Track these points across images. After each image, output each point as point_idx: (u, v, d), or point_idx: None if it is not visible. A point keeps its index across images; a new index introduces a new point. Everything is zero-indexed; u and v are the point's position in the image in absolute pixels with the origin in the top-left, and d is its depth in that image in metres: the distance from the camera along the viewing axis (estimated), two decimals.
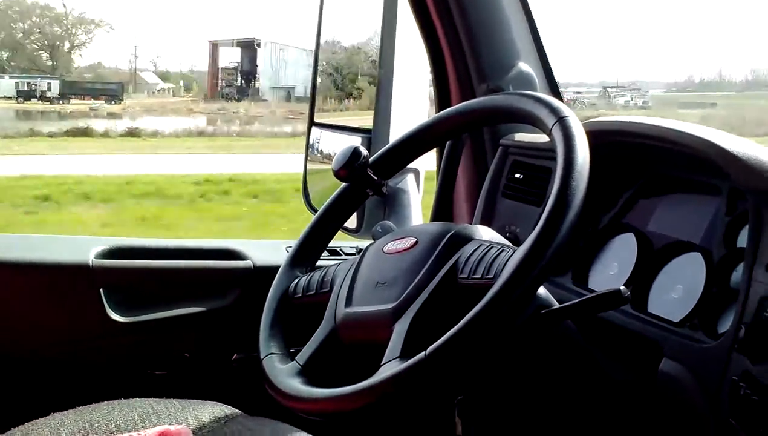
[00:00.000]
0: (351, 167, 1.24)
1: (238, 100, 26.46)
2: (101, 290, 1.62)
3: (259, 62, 28.28)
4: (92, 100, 23.27)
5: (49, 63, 28.72)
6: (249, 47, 28.48)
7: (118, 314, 1.62)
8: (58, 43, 29.52)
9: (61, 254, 1.64)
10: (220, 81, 28.91)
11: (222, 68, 29.18)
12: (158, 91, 31.24)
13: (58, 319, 1.62)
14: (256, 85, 28.32)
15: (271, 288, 1.24)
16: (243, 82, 28.63)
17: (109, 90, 25.28)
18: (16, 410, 1.34)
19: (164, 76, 33.76)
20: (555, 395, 1.19)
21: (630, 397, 1.17)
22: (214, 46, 29.33)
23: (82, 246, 1.66)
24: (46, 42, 29.29)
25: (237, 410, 1.34)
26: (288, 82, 27.57)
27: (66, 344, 1.62)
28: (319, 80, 1.95)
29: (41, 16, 29.53)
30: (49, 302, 1.61)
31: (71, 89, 25.09)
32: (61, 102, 23.20)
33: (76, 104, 22.98)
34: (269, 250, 1.74)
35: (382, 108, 1.66)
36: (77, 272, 1.61)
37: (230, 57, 29.23)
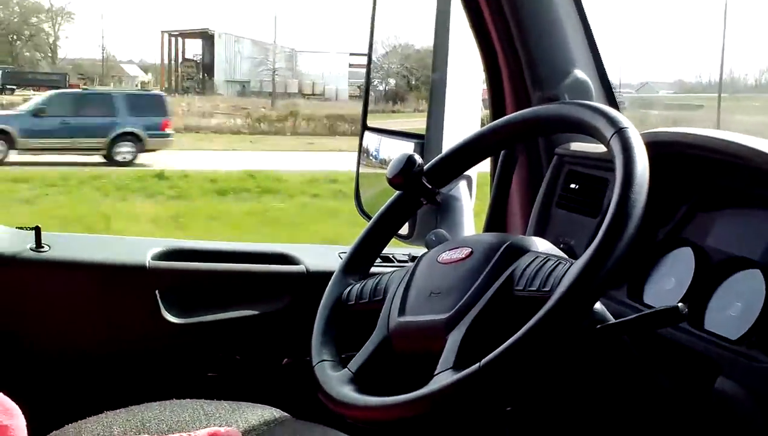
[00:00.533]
0: (406, 175, 1.24)
1: (199, 93, 26.17)
2: (157, 291, 1.64)
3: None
4: (33, 91, 22.73)
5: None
6: (207, 38, 28.09)
7: (172, 315, 1.64)
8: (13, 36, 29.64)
9: (118, 254, 1.67)
10: (180, 73, 28.51)
11: (183, 60, 28.80)
12: (139, 83, 31.04)
13: (115, 319, 1.64)
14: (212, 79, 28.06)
15: (325, 295, 1.24)
16: (205, 75, 28.28)
17: (53, 81, 25.11)
18: (70, 407, 1.37)
19: (148, 69, 33.73)
20: (607, 410, 1.18)
21: (685, 415, 1.15)
22: (174, 37, 28.97)
23: (139, 247, 1.68)
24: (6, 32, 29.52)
25: (286, 414, 1.35)
26: (243, 76, 27.37)
27: (121, 344, 1.65)
28: (390, 81, 1.95)
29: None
30: (105, 302, 1.64)
31: (13, 79, 25.33)
32: (4, 93, 23.20)
33: (20, 95, 22.52)
34: (322, 255, 1.75)
35: (435, 113, 1.66)
36: (134, 272, 1.63)
37: (191, 49, 28.92)
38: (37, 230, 1.62)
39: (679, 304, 0.94)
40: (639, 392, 1.13)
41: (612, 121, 1.06)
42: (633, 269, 1.29)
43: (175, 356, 1.67)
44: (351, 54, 30.52)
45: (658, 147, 1.21)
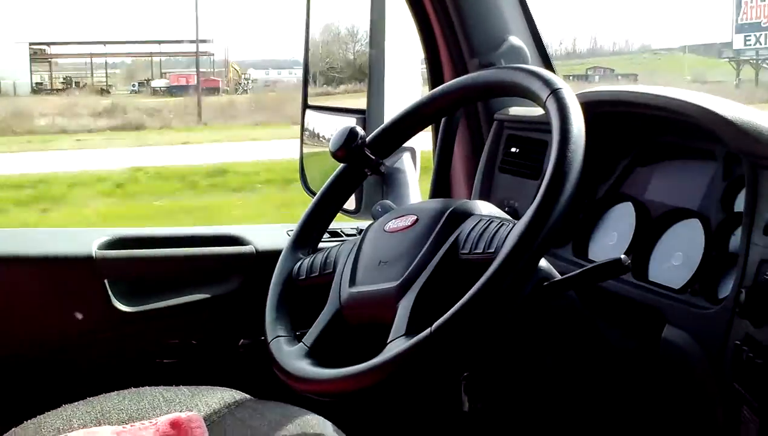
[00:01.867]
0: (348, 147, 1.25)
1: None
2: (105, 280, 1.62)
3: None
4: None
5: None
6: None
7: (123, 304, 1.63)
8: None
9: (63, 246, 1.64)
10: None
11: None
12: None
13: (64, 312, 1.62)
14: None
15: (275, 272, 1.25)
16: None
17: None
18: (27, 404, 1.35)
19: None
20: (559, 367, 1.20)
21: (634, 365, 1.18)
22: None
23: (84, 238, 1.66)
24: None
25: (246, 395, 1.35)
26: None
27: (73, 337, 1.63)
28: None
29: None
30: (54, 296, 1.62)
31: None
32: None
33: None
34: (270, 234, 1.74)
35: (375, 88, 1.66)
36: (81, 264, 1.62)
37: None
38: None
39: (622, 256, 0.96)
40: (588, 346, 1.16)
41: (547, 83, 1.07)
42: (576, 226, 1.32)
43: (130, 345, 1.66)
44: (32, 44, 29.42)
45: (594, 106, 1.23)
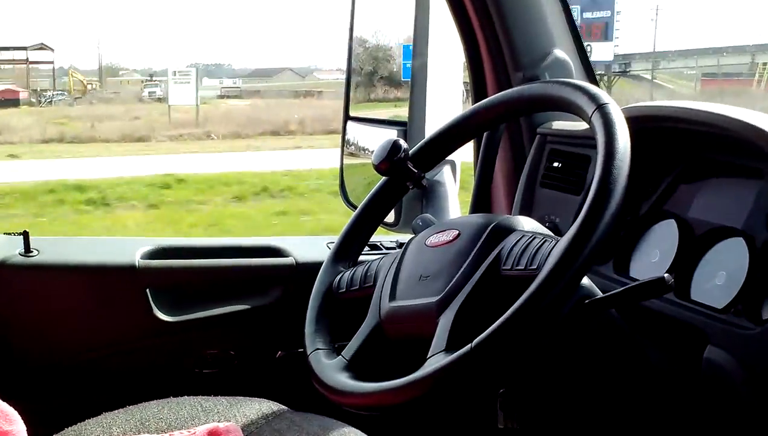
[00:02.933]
0: (391, 160, 1.25)
1: None
2: (147, 290, 1.64)
3: None
4: None
5: None
6: None
7: (164, 313, 1.64)
8: None
9: (107, 255, 1.66)
10: None
11: None
12: None
13: (107, 320, 1.64)
14: None
15: (315, 284, 1.25)
16: None
17: None
18: (68, 410, 1.37)
19: None
20: (599, 386, 1.19)
21: (675, 385, 1.17)
22: None
23: (128, 247, 1.68)
24: None
25: (284, 407, 1.36)
26: None
27: (115, 345, 1.65)
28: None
29: None
30: (97, 304, 1.64)
31: None
32: None
33: None
34: (310, 247, 1.75)
35: (417, 100, 1.66)
36: (124, 273, 1.63)
37: None
38: (26, 235, 1.62)
39: (665, 275, 0.95)
40: (629, 365, 1.14)
41: (593, 98, 1.06)
42: (618, 243, 1.30)
43: (170, 354, 1.67)
44: None
45: (639, 121, 1.21)
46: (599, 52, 24.08)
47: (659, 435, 1.24)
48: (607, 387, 1.18)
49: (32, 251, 1.63)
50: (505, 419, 1.18)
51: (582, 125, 1.31)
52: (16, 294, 1.62)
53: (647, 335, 1.17)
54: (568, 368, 1.15)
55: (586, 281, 1.03)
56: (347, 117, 1.86)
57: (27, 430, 1.21)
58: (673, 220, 1.24)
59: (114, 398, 1.38)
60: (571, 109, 1.11)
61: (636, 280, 0.99)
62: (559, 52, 1.57)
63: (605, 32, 24.93)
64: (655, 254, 1.25)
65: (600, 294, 1.03)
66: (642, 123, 1.25)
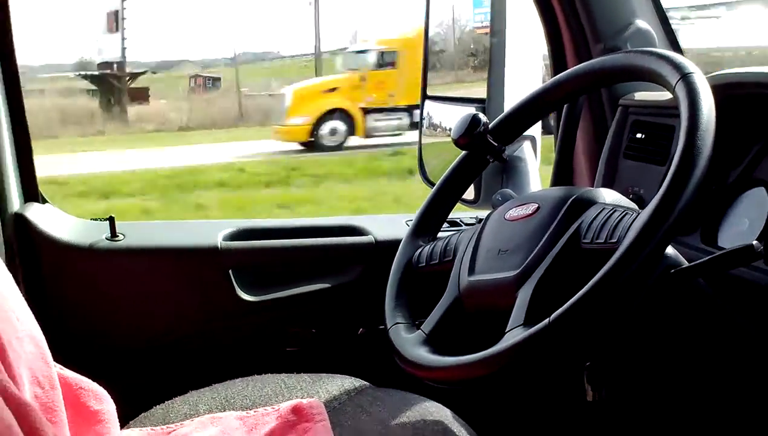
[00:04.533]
0: (471, 135, 1.24)
1: None
2: (230, 270, 1.67)
3: None
4: None
5: None
6: None
7: (247, 293, 1.67)
8: None
9: (190, 238, 1.70)
10: None
11: None
12: None
13: (191, 301, 1.67)
14: None
15: (395, 259, 1.25)
16: None
17: None
18: (155, 389, 1.40)
19: None
20: (687, 356, 1.16)
21: (766, 354, 1.13)
22: None
23: (210, 229, 1.71)
24: None
25: (366, 382, 1.37)
26: None
27: (199, 325, 1.68)
28: None
29: None
30: (182, 285, 1.67)
31: None
32: None
33: None
34: (389, 224, 1.75)
35: (496, 76, 1.65)
36: (207, 254, 1.66)
37: None
38: (111, 220, 1.66)
39: (754, 242, 0.92)
40: (718, 335, 1.11)
41: (677, 67, 1.04)
42: (705, 213, 1.27)
43: (253, 333, 1.69)
44: None
45: (726, 88, 1.18)
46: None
47: (750, 405, 1.21)
48: (696, 357, 1.16)
49: (118, 236, 1.67)
50: (593, 391, 1.17)
51: (665, 95, 1.28)
52: (103, 278, 1.67)
53: (736, 304, 1.14)
54: (656, 339, 1.13)
55: (671, 250, 1.01)
56: (425, 96, 1.85)
57: (116, 408, 1.24)
58: (763, 187, 1.20)
59: (199, 377, 1.41)
60: (654, 78, 1.09)
61: (724, 249, 0.96)
62: (641, 23, 1.53)
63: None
64: (744, 223, 1.21)
65: (686, 263, 1.00)
66: (729, 90, 1.21)
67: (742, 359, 1.15)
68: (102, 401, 1.23)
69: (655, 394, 1.30)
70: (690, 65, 1.04)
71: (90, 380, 1.24)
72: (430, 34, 1.93)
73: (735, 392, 1.21)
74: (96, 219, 1.72)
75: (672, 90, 1.04)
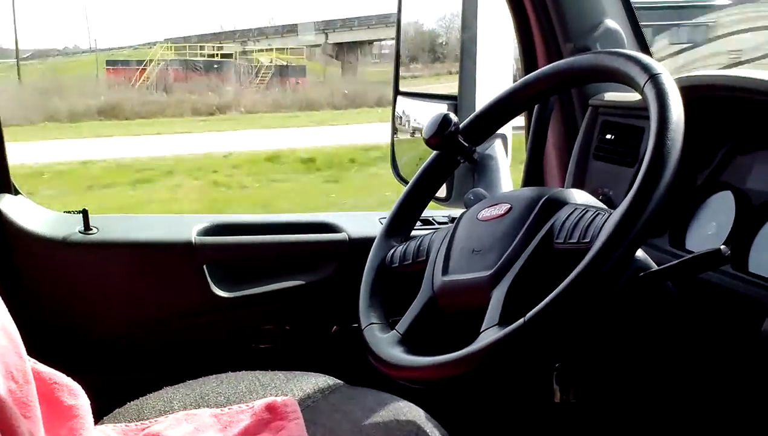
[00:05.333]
0: (442, 135, 1.25)
1: None
2: (204, 266, 1.67)
3: None
4: None
5: None
6: None
7: (221, 289, 1.67)
8: None
9: (164, 232, 1.69)
10: None
11: None
12: None
13: (165, 296, 1.67)
14: None
15: (369, 259, 1.26)
16: None
17: None
18: (130, 385, 1.40)
19: None
20: (655, 359, 1.18)
21: (733, 357, 1.15)
22: None
23: (184, 224, 1.70)
24: None
25: (339, 381, 1.37)
26: None
27: (173, 320, 1.68)
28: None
29: None
30: (155, 280, 1.67)
31: None
32: None
33: None
34: (363, 222, 1.76)
35: (467, 73, 1.65)
36: (181, 249, 1.66)
37: None
38: (85, 213, 1.66)
39: (722, 246, 0.94)
40: (685, 338, 1.13)
41: (645, 68, 1.05)
42: (673, 215, 1.29)
43: (227, 329, 1.70)
44: None
45: (693, 91, 1.20)
46: None
47: (716, 408, 1.23)
48: (664, 360, 1.18)
49: (91, 229, 1.66)
50: (561, 393, 1.18)
51: (635, 96, 1.30)
52: (76, 271, 1.66)
53: (704, 308, 1.16)
54: (624, 341, 1.15)
55: (641, 253, 1.02)
56: (397, 92, 1.86)
57: (91, 404, 1.24)
58: (729, 191, 1.22)
59: (174, 373, 1.41)
60: (623, 79, 1.10)
61: (692, 252, 0.98)
62: (610, 22, 1.55)
63: None
64: (711, 226, 1.24)
65: (655, 267, 1.02)
66: (696, 93, 1.23)
67: (708, 362, 1.17)
68: (76, 396, 1.23)
69: (623, 396, 1.32)
70: (658, 66, 1.05)
71: (64, 375, 1.24)
72: (432, 27, 1.94)
73: (700, 394, 1.23)
74: (70, 212, 1.71)
75: (641, 91, 1.05)
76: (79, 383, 1.25)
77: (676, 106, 1.00)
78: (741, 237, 1.17)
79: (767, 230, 1.15)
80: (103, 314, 1.67)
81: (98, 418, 1.29)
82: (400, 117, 1.86)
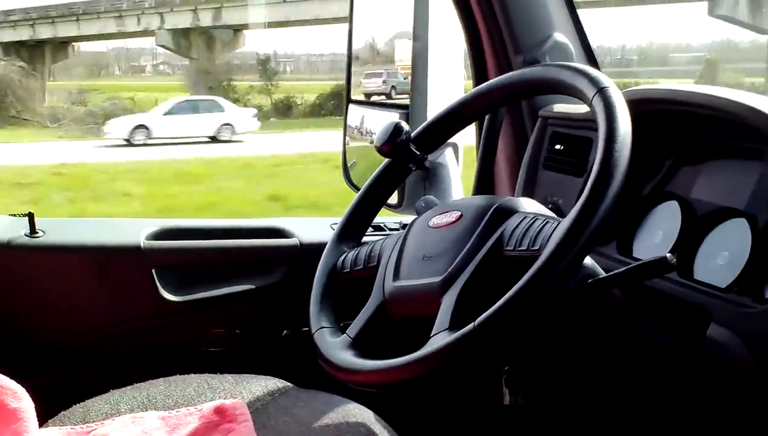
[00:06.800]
0: (393, 143, 1.26)
1: None
2: (153, 270, 1.65)
3: None
4: None
5: None
6: None
7: (170, 293, 1.66)
8: None
9: (112, 236, 1.68)
10: None
11: None
12: None
13: (113, 300, 1.66)
14: None
15: (320, 264, 1.26)
16: None
17: None
18: (75, 388, 1.38)
19: None
20: (602, 364, 1.21)
21: (678, 364, 1.18)
22: None
23: (133, 228, 1.69)
24: None
25: (289, 384, 1.37)
26: None
27: (121, 324, 1.66)
28: None
29: None
30: (103, 284, 1.65)
31: None
32: None
33: None
34: (315, 227, 1.76)
35: (418, 83, 1.66)
36: (129, 253, 1.65)
37: None
38: (31, 216, 1.63)
39: (668, 254, 0.96)
40: (632, 344, 1.16)
41: (593, 81, 1.08)
42: (621, 224, 1.32)
43: (176, 334, 1.68)
44: None
45: (640, 104, 1.23)
46: None
47: (663, 413, 1.26)
48: (611, 366, 1.20)
49: (37, 232, 1.64)
50: (510, 395, 1.20)
51: (583, 108, 1.33)
52: (22, 275, 1.64)
53: (651, 314, 1.19)
54: (572, 347, 1.17)
55: (589, 260, 1.05)
56: (349, 100, 1.87)
57: (35, 407, 1.22)
58: (675, 201, 1.26)
59: (121, 376, 1.40)
60: (571, 92, 1.12)
61: (639, 260, 1.01)
62: (560, 36, 1.58)
63: None
64: (658, 235, 1.27)
65: (603, 274, 1.04)
66: (643, 105, 1.26)
67: (654, 368, 1.20)
68: (20, 399, 1.21)
69: (570, 400, 1.35)
70: (605, 79, 1.08)
71: (8, 378, 1.22)
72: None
73: (646, 399, 1.26)
74: (15, 215, 1.69)
75: (589, 103, 1.07)
76: (24, 386, 1.23)
77: (624, 119, 1.02)
78: (686, 245, 1.21)
79: (712, 238, 1.19)
80: (49, 318, 1.65)
81: (43, 421, 1.27)
82: (350, 125, 1.87)
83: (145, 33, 23.17)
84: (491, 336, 0.96)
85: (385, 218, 1.75)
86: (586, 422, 1.38)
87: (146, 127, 15.77)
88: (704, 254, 1.19)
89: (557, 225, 1.01)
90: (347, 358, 1.11)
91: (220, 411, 1.25)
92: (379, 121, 1.68)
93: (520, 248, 1.04)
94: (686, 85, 1.28)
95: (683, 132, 1.30)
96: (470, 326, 0.97)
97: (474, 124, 1.60)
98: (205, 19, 22.09)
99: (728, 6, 19.42)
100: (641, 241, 1.30)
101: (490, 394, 1.27)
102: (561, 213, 1.26)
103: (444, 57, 1.68)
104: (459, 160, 1.64)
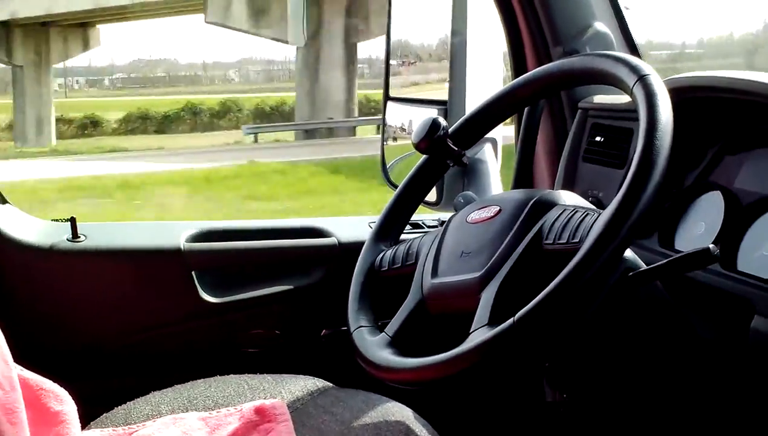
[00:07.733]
0: (431, 139, 1.25)
1: None
2: (193, 272, 1.66)
3: None
4: None
5: None
6: None
7: (210, 295, 1.67)
8: None
9: (152, 239, 1.69)
10: None
11: None
12: None
13: (154, 303, 1.67)
14: None
15: (358, 262, 1.26)
16: None
17: None
18: (117, 390, 1.39)
19: None
20: (644, 358, 1.18)
21: (722, 355, 1.16)
22: None
23: (172, 231, 1.70)
24: None
25: (329, 383, 1.37)
26: None
27: (162, 327, 1.67)
28: None
29: None
30: (144, 287, 1.66)
31: None
32: None
33: None
34: (353, 226, 1.76)
35: (457, 78, 1.65)
36: (170, 256, 1.66)
37: None
38: (73, 221, 1.65)
39: (710, 245, 0.94)
40: (675, 337, 1.13)
41: (634, 69, 1.06)
42: (663, 216, 1.29)
43: (216, 335, 1.69)
44: None
45: (682, 92, 1.20)
46: None
47: (706, 406, 1.23)
48: (653, 359, 1.18)
49: (79, 237, 1.66)
50: (553, 392, 1.18)
51: (624, 98, 1.31)
52: (64, 279, 1.66)
53: (693, 306, 1.17)
54: (613, 341, 1.15)
55: (630, 253, 1.03)
56: (387, 97, 1.86)
57: (78, 409, 1.24)
58: (718, 191, 1.23)
59: (162, 378, 1.41)
60: (612, 81, 1.10)
61: (681, 252, 0.99)
62: (600, 25, 1.56)
63: None
64: (700, 226, 1.24)
65: (644, 266, 1.02)
66: (685, 94, 1.23)
67: (698, 361, 1.17)
68: (63, 402, 1.23)
69: (613, 395, 1.32)
70: (646, 67, 1.06)
71: (51, 381, 1.23)
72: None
73: (690, 393, 1.23)
74: (57, 220, 1.71)
75: (630, 92, 1.05)
76: (67, 389, 1.24)
77: (665, 108, 1.00)
78: (730, 236, 1.18)
79: (756, 229, 1.16)
80: (91, 321, 1.67)
81: (85, 424, 1.29)
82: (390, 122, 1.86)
83: None
84: (531, 331, 0.95)
85: (423, 215, 1.74)
86: (630, 418, 1.35)
87: None
88: (748, 245, 1.16)
89: (597, 217, 0.99)
90: (386, 356, 1.11)
91: (259, 411, 1.25)
92: (417, 119, 1.67)
93: (559, 241, 1.03)
94: (728, 72, 1.25)
95: (727, 120, 1.27)
96: (510, 321, 0.96)
97: (513, 118, 1.58)
98: None
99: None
100: (683, 232, 1.27)
101: (531, 391, 1.26)
102: (602, 206, 1.24)
103: (483, 51, 1.67)
104: (498, 156, 1.62)
